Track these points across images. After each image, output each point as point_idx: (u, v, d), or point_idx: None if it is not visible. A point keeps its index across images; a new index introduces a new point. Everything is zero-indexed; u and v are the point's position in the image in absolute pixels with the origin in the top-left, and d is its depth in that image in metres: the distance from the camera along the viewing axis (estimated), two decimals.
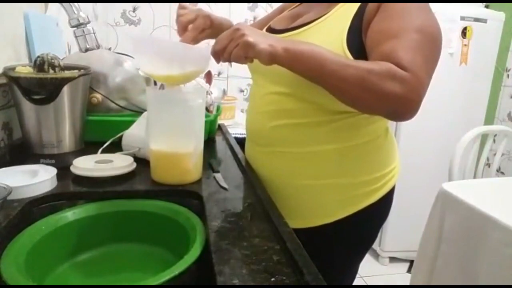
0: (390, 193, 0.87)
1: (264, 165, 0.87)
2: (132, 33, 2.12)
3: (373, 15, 0.71)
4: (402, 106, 0.64)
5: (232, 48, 0.65)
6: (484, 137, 1.97)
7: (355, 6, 0.74)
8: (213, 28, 0.87)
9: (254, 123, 0.88)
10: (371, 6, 0.72)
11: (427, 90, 0.65)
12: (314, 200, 0.82)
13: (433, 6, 0.72)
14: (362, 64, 0.64)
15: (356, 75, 0.62)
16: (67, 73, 0.83)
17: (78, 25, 0.90)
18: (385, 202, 0.86)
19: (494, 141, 2.15)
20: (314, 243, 0.76)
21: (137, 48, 0.73)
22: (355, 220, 0.82)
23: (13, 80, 0.79)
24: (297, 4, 0.94)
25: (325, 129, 0.78)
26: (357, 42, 0.71)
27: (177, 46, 0.75)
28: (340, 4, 0.76)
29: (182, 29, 0.82)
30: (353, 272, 0.94)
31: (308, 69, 0.65)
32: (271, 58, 0.64)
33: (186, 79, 0.75)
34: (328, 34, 0.73)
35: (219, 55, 0.68)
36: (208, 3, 2.18)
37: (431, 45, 0.68)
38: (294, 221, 0.78)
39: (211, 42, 0.70)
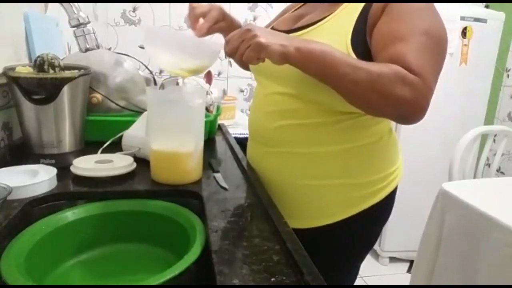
0: (393, 194, 0.86)
1: (267, 165, 0.87)
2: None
3: (378, 17, 0.71)
4: (411, 110, 0.64)
5: (244, 50, 0.64)
6: (484, 137, 1.97)
7: (359, 7, 0.73)
8: (226, 21, 0.88)
9: (258, 123, 0.88)
10: (375, 7, 0.71)
11: (433, 93, 0.65)
12: (317, 201, 0.82)
13: None
14: (372, 66, 0.64)
15: (367, 78, 0.62)
16: (67, 73, 0.83)
17: (78, 25, 0.90)
18: (388, 202, 0.86)
19: (494, 141, 2.15)
20: (316, 243, 0.76)
21: (148, 38, 0.73)
22: (357, 220, 0.82)
23: (13, 80, 0.78)
24: (299, 5, 0.94)
25: (329, 129, 0.78)
26: (362, 44, 0.71)
27: (187, 38, 0.75)
28: (344, 5, 0.76)
29: (195, 20, 0.82)
30: (354, 273, 0.94)
31: (319, 69, 0.65)
32: (284, 58, 0.64)
33: (194, 71, 0.75)
34: (332, 35, 0.73)
35: (230, 56, 0.67)
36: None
37: (438, 47, 0.68)
38: (296, 221, 0.78)
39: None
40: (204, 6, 0.83)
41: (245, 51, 0.64)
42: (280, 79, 0.80)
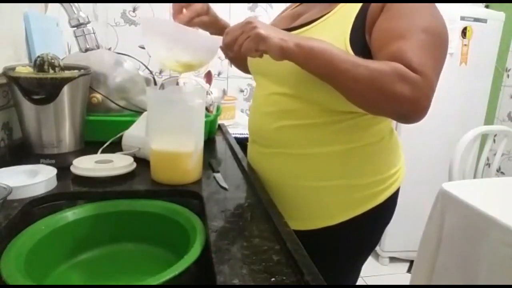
0: (395, 196, 0.86)
1: (267, 166, 0.86)
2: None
3: (378, 15, 0.70)
4: (412, 108, 0.63)
5: (243, 40, 0.64)
6: (484, 137, 1.97)
7: (357, 5, 0.73)
8: (209, 15, 0.88)
9: (258, 124, 0.88)
10: (374, 5, 0.71)
11: (435, 92, 0.64)
12: (318, 202, 0.82)
13: None
14: (372, 64, 0.63)
15: (367, 76, 0.62)
16: (67, 73, 0.83)
17: (78, 25, 0.90)
18: (390, 204, 0.85)
19: (494, 141, 2.15)
20: (317, 245, 0.76)
21: (146, 28, 0.71)
22: (359, 222, 0.82)
23: (13, 80, 0.78)
24: (297, 4, 0.94)
25: (329, 130, 0.78)
26: (360, 42, 0.71)
27: (185, 30, 0.73)
28: (342, 4, 0.76)
29: (178, 11, 0.82)
30: (356, 274, 0.93)
31: (319, 66, 0.65)
32: (283, 52, 0.63)
33: (190, 66, 0.74)
34: (330, 33, 0.73)
35: (229, 47, 0.67)
36: (208, 3, 2.17)
37: (439, 45, 0.68)
38: (297, 222, 0.77)
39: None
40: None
41: (244, 42, 0.64)
42: (279, 79, 0.80)
